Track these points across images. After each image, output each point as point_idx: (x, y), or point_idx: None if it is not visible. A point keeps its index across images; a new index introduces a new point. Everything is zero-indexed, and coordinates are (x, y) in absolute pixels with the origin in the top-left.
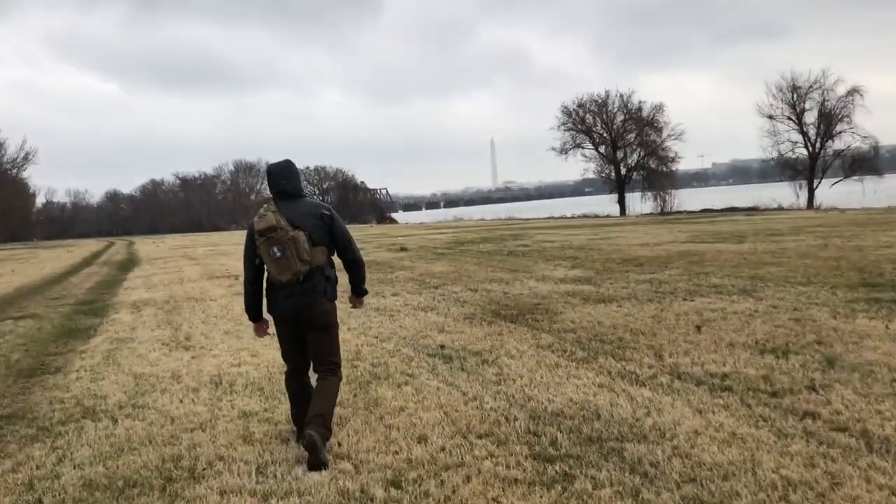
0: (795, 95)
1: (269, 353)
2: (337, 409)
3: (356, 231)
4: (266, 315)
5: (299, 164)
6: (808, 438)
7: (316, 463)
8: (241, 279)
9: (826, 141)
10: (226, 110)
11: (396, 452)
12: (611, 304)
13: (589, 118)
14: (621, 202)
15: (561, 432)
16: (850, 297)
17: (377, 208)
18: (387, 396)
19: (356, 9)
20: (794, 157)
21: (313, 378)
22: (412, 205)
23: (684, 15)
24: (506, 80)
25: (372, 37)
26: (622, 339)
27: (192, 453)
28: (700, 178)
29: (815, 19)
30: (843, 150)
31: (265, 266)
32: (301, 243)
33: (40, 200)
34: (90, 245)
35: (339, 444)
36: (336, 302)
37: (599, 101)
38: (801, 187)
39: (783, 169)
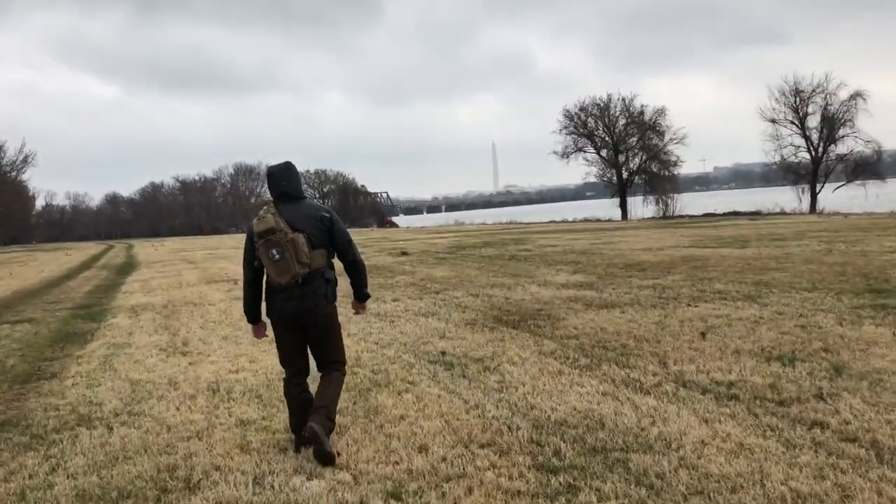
0: (798, 99)
1: (267, 359)
2: (336, 417)
3: (357, 235)
4: (265, 318)
5: (300, 168)
6: (816, 449)
7: (321, 454)
8: (241, 282)
9: (829, 145)
10: (226, 113)
11: (397, 463)
12: (614, 309)
13: (591, 122)
14: (623, 206)
15: (564, 442)
16: (855, 303)
17: (378, 212)
18: (387, 404)
19: (356, 11)
20: (796, 161)
21: (312, 386)
22: (413, 209)
23: (687, 19)
24: (508, 83)
25: (373, 40)
26: (626, 346)
27: (188, 463)
28: (702, 182)
29: (818, 24)
30: (845, 155)
31: (264, 268)
32: (300, 246)
33: (40, 203)
34: (89, 248)
35: (339, 454)
36: (336, 303)
37: (601, 104)
38: (803, 192)
39: (786, 173)
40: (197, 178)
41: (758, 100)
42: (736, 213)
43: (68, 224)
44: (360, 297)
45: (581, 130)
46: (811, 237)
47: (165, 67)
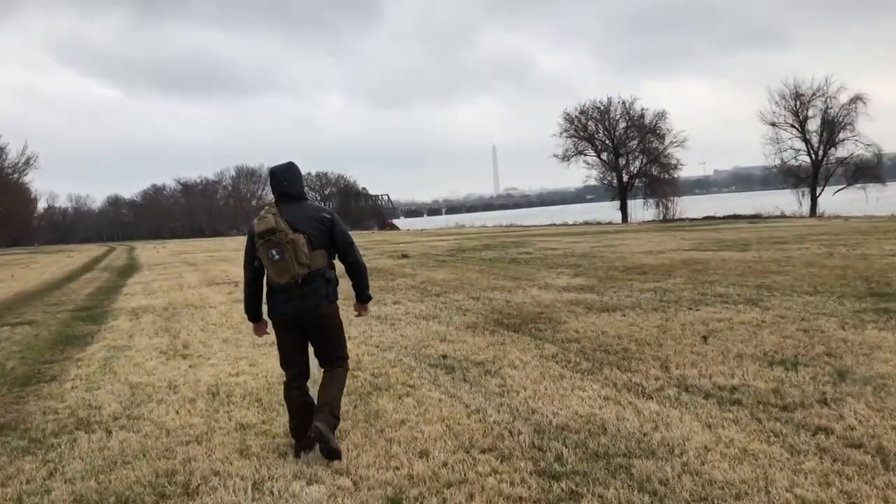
0: (798, 103)
1: (267, 362)
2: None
3: (358, 237)
4: (266, 317)
5: (301, 170)
6: (821, 455)
7: (328, 451)
8: (241, 283)
9: (829, 148)
10: (227, 115)
11: (397, 468)
12: (615, 313)
13: (591, 125)
14: (623, 209)
15: (566, 447)
16: (858, 307)
17: (379, 214)
18: (387, 409)
19: (356, 14)
20: (796, 164)
21: (312, 390)
22: (414, 211)
23: (686, 21)
24: (507, 86)
25: (373, 42)
26: (627, 350)
27: (187, 468)
28: (702, 186)
29: (818, 27)
30: (845, 158)
31: (265, 268)
32: (300, 246)
33: (42, 205)
34: (91, 250)
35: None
36: (338, 302)
37: (602, 107)
38: (803, 195)
39: (786, 176)
40: (198, 180)
41: (758, 103)
42: (736, 217)
43: (70, 226)
44: (362, 298)
45: (581, 133)
46: (812, 240)
47: (165, 69)
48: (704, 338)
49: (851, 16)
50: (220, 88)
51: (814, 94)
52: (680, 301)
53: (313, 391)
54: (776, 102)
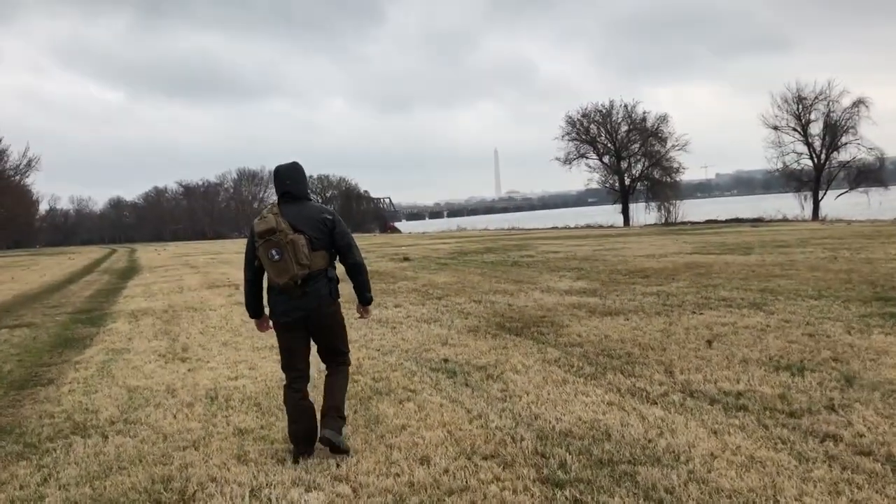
0: (801, 106)
1: (267, 366)
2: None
3: (359, 240)
4: (267, 314)
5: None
6: (830, 463)
7: (338, 451)
8: (242, 286)
9: (831, 152)
10: (230, 119)
11: (398, 475)
12: (618, 316)
13: (593, 128)
14: (625, 212)
15: (570, 454)
16: (863, 311)
17: (380, 217)
18: (388, 413)
19: (359, 19)
20: (799, 168)
21: (312, 394)
22: (415, 214)
23: (688, 26)
24: (509, 90)
25: (375, 46)
26: (631, 354)
27: (184, 474)
28: (704, 189)
29: (821, 32)
30: (848, 162)
31: (265, 268)
32: (300, 247)
33: (43, 207)
34: (92, 252)
35: (338, 465)
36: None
37: (604, 111)
38: (806, 199)
39: (788, 180)
40: (200, 182)
41: (760, 107)
42: (738, 220)
43: (72, 228)
44: (363, 300)
45: (583, 137)
46: (815, 244)
47: (168, 73)
48: (709, 342)
49: (853, 20)
50: (223, 92)
51: (816, 97)
52: (683, 305)
53: (312, 395)
54: (778, 106)
